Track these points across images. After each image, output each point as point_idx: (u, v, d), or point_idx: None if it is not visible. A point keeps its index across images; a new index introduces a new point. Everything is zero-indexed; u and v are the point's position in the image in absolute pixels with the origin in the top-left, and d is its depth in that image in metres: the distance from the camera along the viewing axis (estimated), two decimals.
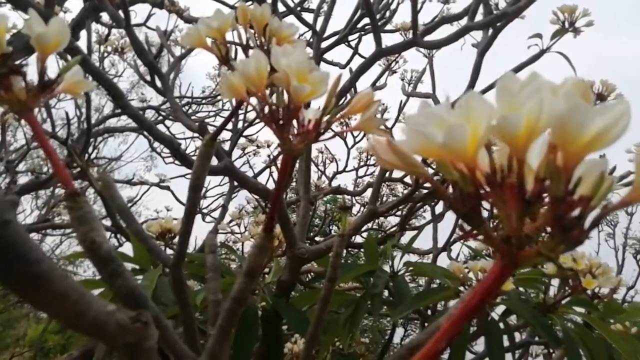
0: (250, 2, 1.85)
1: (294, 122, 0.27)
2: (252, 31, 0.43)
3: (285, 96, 0.26)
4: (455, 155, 0.14)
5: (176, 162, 2.38)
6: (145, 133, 2.35)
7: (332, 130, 0.27)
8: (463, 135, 0.13)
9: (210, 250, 0.41)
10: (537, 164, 0.16)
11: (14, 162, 1.95)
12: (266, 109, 0.26)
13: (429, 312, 1.06)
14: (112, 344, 0.19)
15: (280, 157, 0.25)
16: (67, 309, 0.18)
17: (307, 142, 0.27)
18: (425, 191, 1.07)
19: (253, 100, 0.28)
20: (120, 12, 0.91)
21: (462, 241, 1.52)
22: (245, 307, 0.31)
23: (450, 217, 1.28)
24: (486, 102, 0.14)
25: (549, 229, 0.16)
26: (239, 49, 0.44)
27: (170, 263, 0.48)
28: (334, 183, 2.09)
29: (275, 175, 2.06)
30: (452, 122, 0.14)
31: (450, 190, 0.16)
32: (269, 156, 2.04)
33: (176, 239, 0.92)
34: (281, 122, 0.26)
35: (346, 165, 2.02)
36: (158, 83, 1.00)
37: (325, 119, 0.26)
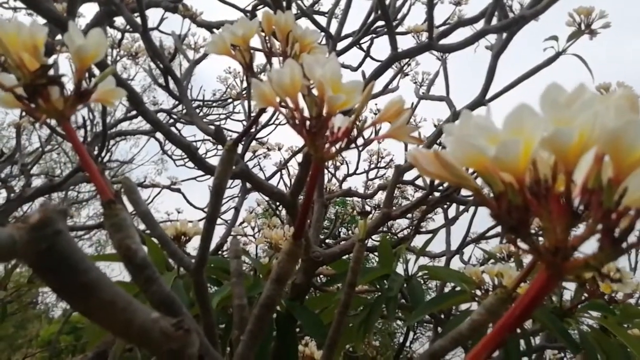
0: (262, 6, 1.86)
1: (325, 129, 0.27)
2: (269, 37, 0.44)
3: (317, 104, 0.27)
4: (507, 169, 0.14)
5: (187, 165, 2.39)
6: (157, 136, 2.37)
7: (363, 138, 0.27)
8: (516, 150, 0.14)
9: (234, 256, 0.41)
10: (580, 175, 0.16)
11: (28, 165, 1.98)
12: (298, 117, 0.27)
13: (442, 315, 1.06)
14: (156, 351, 0.19)
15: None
16: (116, 317, 0.19)
17: (338, 150, 0.27)
18: (438, 194, 1.07)
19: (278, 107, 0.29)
20: (137, 18, 0.93)
21: (475, 244, 1.52)
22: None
23: (462, 220, 1.27)
24: (537, 115, 0.14)
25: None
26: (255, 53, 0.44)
27: (191, 268, 0.49)
28: (345, 185, 2.09)
29: (286, 178, 2.06)
30: (505, 136, 0.14)
31: (495, 200, 0.17)
32: (281, 161, 2.04)
33: (190, 242, 0.93)
34: (313, 130, 0.26)
35: (357, 168, 2.03)
36: (171, 86, 1.01)
37: (356, 126, 0.26)
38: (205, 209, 2.31)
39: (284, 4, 0.82)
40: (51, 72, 0.27)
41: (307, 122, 0.26)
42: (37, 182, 2.61)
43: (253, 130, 1.66)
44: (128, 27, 1.65)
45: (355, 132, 0.27)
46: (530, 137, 0.14)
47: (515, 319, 0.17)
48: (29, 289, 2.27)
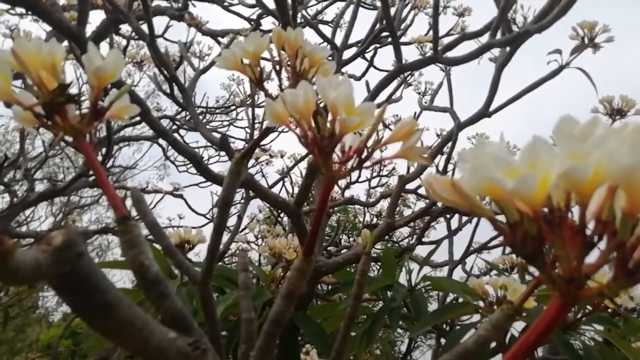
0: (265, 15, 1.88)
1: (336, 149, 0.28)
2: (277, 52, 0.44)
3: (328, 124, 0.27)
4: (524, 201, 0.15)
5: (190, 171, 2.40)
6: (160, 142, 2.38)
7: (374, 158, 0.27)
8: (534, 184, 0.14)
9: (242, 269, 0.41)
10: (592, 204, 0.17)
11: (32, 169, 1.99)
12: (310, 137, 0.27)
13: (445, 325, 1.05)
14: None
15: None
16: (134, 337, 0.19)
17: (350, 169, 0.27)
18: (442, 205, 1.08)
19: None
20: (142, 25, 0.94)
21: (477, 254, 1.52)
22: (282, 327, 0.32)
23: (464, 229, 1.28)
24: (552, 149, 0.15)
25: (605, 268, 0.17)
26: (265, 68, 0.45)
27: (198, 278, 0.49)
28: (347, 193, 2.10)
29: (288, 186, 2.07)
30: (522, 170, 0.14)
31: (509, 228, 0.17)
32: (283, 168, 2.05)
33: (193, 250, 0.93)
34: (326, 149, 0.26)
35: (359, 176, 2.03)
36: (175, 92, 1.02)
37: (367, 146, 0.27)
38: (208, 215, 2.32)
39: (290, 15, 0.83)
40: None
41: (319, 142, 0.27)
42: (39, 186, 2.62)
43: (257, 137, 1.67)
44: (134, 34, 1.67)
45: (366, 151, 0.27)
46: (547, 171, 0.14)
47: (530, 345, 0.17)
48: (29, 294, 2.27)
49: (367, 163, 0.27)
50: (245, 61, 0.42)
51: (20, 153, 1.92)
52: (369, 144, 0.27)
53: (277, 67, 0.42)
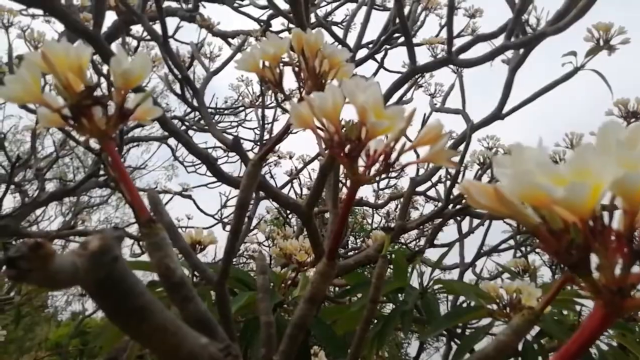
0: (275, 16, 1.88)
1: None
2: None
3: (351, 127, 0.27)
4: (572, 210, 0.14)
5: (198, 171, 2.41)
6: (169, 142, 2.39)
7: (401, 162, 0.27)
8: (585, 192, 0.14)
9: (260, 271, 0.41)
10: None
11: (42, 169, 2.01)
12: (337, 141, 0.27)
13: (457, 329, 1.05)
14: None
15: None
16: (166, 342, 0.19)
17: (376, 173, 0.27)
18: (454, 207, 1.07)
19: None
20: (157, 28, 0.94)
21: (487, 256, 1.51)
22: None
23: (477, 234, 1.27)
24: (602, 157, 0.14)
25: None
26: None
27: (214, 280, 0.49)
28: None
29: (297, 187, 2.07)
30: (571, 177, 0.14)
31: (553, 237, 0.17)
32: (292, 169, 2.05)
33: (204, 251, 0.93)
34: (353, 154, 0.26)
35: None
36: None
37: (395, 150, 0.27)
38: (216, 216, 2.33)
39: (304, 16, 0.83)
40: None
41: (346, 145, 0.27)
42: (49, 185, 2.64)
43: (267, 139, 1.67)
44: (145, 35, 1.68)
45: (392, 155, 0.27)
46: (598, 180, 0.14)
47: (571, 356, 0.17)
48: (39, 293, 2.29)
49: (394, 166, 0.27)
50: (265, 63, 0.42)
51: (31, 153, 1.94)
52: (396, 147, 0.27)
53: (297, 69, 0.42)
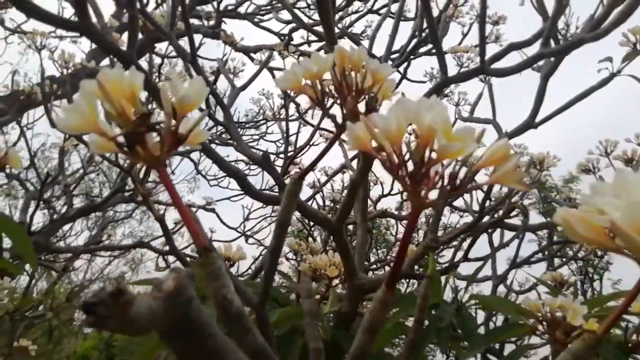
0: (295, 28, 1.89)
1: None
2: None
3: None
4: None
5: (220, 185, 2.42)
6: (191, 156, 2.41)
7: (469, 185, 0.26)
8: None
9: (306, 295, 0.40)
10: None
11: (70, 186, 2.05)
12: (399, 163, 0.26)
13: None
14: None
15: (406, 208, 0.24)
16: None
17: (441, 197, 0.26)
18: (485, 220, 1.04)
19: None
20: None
21: (517, 269, 1.46)
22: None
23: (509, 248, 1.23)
24: None
25: None
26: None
27: (254, 302, 0.48)
28: (379, 206, 2.06)
29: (320, 200, 2.06)
30: None
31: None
32: (314, 182, 2.04)
33: (234, 267, 0.92)
34: (417, 178, 0.25)
35: (391, 189, 2.00)
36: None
37: (462, 172, 0.25)
38: (239, 229, 2.33)
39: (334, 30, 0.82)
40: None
41: (410, 169, 0.25)
42: (76, 201, 2.68)
43: (291, 152, 1.67)
44: (170, 52, 1.70)
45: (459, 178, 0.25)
46: None
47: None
48: (66, 308, 2.32)
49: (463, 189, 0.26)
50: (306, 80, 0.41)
51: (59, 170, 1.98)
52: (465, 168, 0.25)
53: (340, 87, 0.41)
